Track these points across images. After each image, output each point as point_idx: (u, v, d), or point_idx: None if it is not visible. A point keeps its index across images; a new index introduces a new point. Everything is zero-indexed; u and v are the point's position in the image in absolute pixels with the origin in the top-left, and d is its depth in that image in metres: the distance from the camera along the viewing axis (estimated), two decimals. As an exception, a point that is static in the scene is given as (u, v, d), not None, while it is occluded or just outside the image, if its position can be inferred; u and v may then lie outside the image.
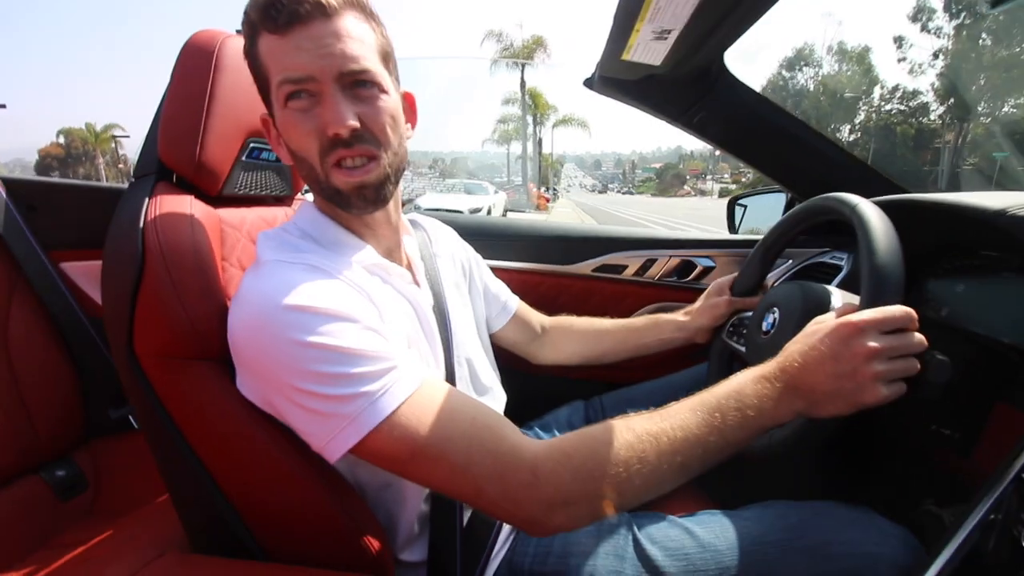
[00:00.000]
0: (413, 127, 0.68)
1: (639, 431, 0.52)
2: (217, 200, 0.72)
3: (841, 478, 0.98)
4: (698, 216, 21.15)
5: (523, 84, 34.25)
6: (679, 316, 0.96)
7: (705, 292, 0.96)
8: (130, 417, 1.10)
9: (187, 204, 0.66)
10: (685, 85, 0.95)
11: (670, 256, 1.23)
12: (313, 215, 0.66)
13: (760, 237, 0.93)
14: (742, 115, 1.00)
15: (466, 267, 0.89)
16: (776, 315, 0.77)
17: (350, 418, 0.50)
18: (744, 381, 0.56)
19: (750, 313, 0.87)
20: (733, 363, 0.92)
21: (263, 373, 0.53)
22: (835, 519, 0.63)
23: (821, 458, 0.97)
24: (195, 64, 0.68)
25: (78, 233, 1.10)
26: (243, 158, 0.75)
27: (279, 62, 0.54)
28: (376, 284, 0.62)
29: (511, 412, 0.85)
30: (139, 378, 0.60)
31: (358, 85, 0.56)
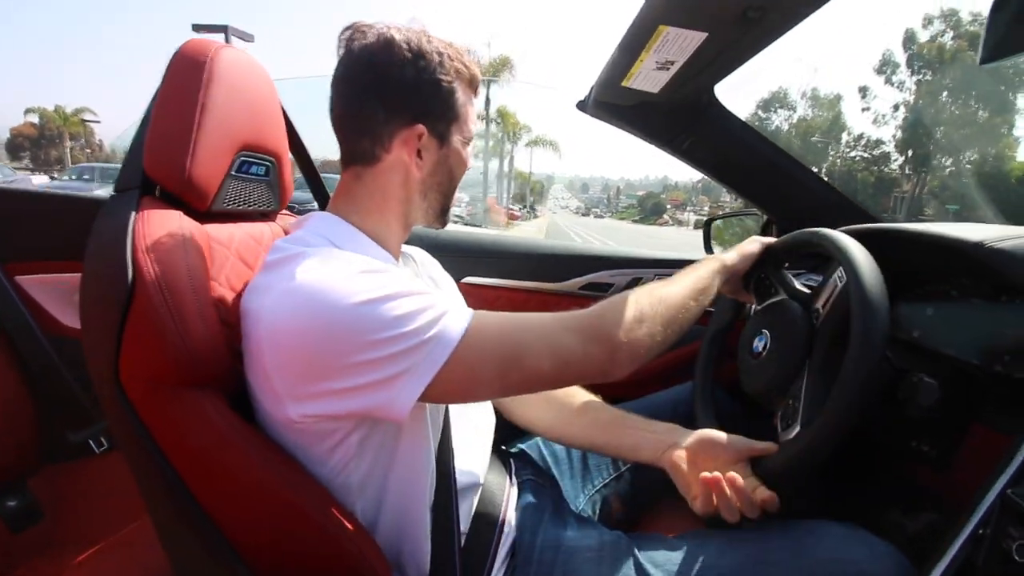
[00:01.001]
0: None
1: (644, 292, 0.67)
2: (205, 216, 0.69)
3: (818, 493, 1.02)
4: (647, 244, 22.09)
5: (488, 101, 35.07)
6: (666, 426, 0.79)
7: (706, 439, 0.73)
8: (91, 441, 1.02)
9: (177, 221, 0.63)
10: (676, 112, 0.97)
11: (655, 275, 1.26)
12: (338, 223, 0.67)
13: None
14: (728, 142, 1.04)
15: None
16: (767, 338, 0.79)
17: (433, 340, 0.54)
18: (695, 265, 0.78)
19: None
20: (716, 388, 0.94)
21: (325, 355, 0.53)
22: (831, 538, 0.64)
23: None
24: (187, 75, 0.65)
25: (35, 244, 1.02)
26: (233, 172, 0.72)
27: (472, 119, 0.72)
28: (398, 269, 0.67)
29: (498, 429, 0.84)
30: (124, 407, 0.56)
31: None
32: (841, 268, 0.69)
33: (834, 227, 0.79)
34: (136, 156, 0.65)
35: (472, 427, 0.77)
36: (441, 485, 0.67)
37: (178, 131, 0.63)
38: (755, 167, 1.07)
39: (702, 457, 0.70)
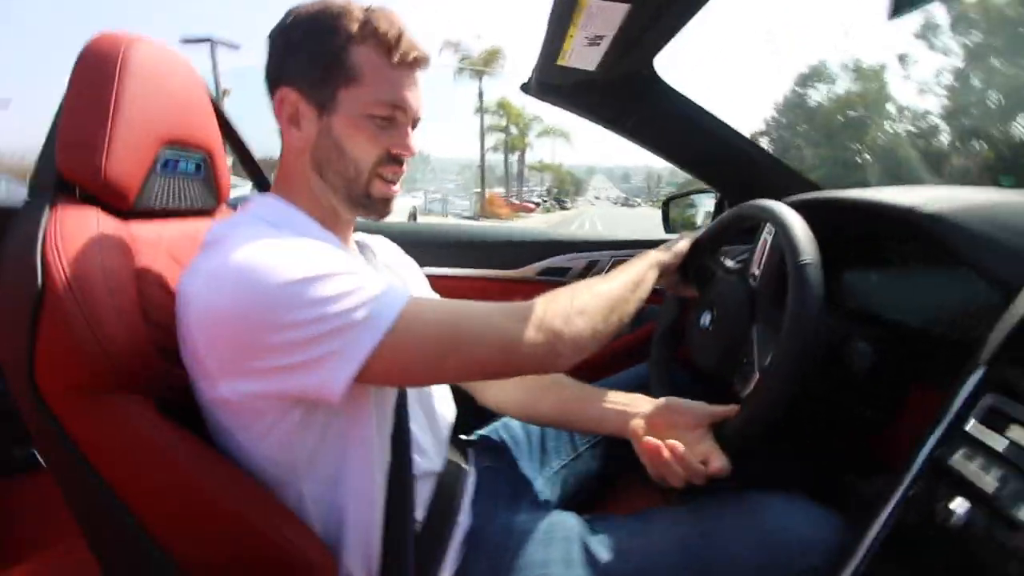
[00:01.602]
0: None
1: (583, 283, 0.69)
2: (129, 214, 0.66)
3: (767, 463, 1.03)
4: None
5: (481, 94, 34.63)
6: (631, 396, 0.81)
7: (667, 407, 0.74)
8: (36, 454, 0.99)
9: (93, 220, 0.60)
10: (618, 90, 0.97)
11: (611, 257, 1.26)
12: (280, 206, 0.66)
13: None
14: (674, 120, 1.04)
15: (408, 285, 0.87)
16: (713, 314, 0.80)
17: (364, 323, 0.53)
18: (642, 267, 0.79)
19: None
20: (672, 364, 0.95)
21: (251, 335, 0.52)
22: (771, 508, 0.66)
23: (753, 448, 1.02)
24: (97, 70, 0.62)
25: None
26: (156, 169, 0.69)
27: (389, 87, 0.63)
28: (341, 250, 0.65)
29: (459, 418, 0.84)
30: (45, 417, 0.53)
31: (413, 126, 0.68)
32: (767, 225, 0.70)
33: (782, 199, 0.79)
34: (49, 157, 0.62)
35: (431, 415, 0.76)
36: (396, 474, 0.66)
37: (91, 129, 0.61)
38: (703, 144, 1.08)
39: (663, 425, 0.70)
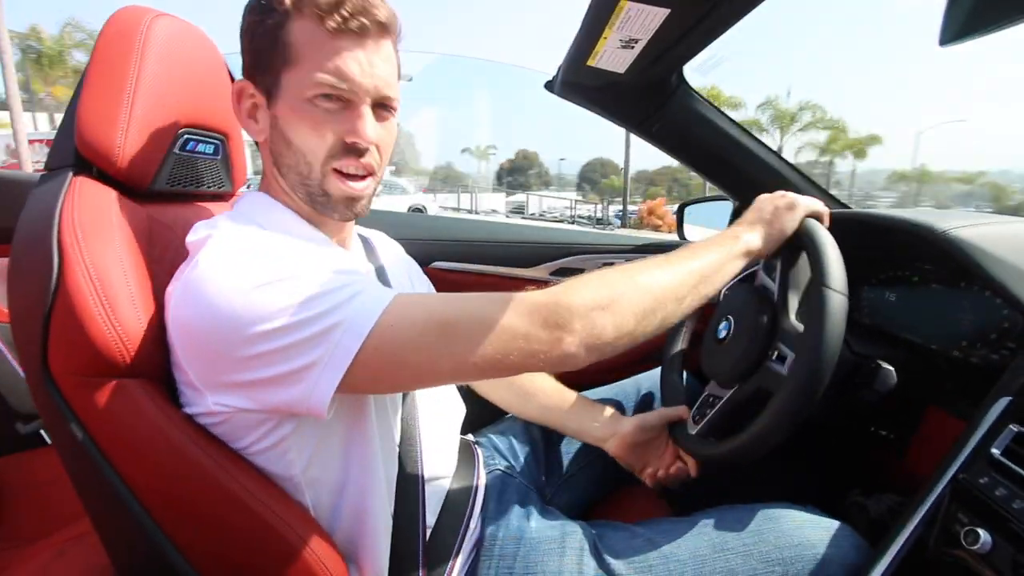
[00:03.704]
0: None
1: (634, 266, 0.59)
2: (146, 196, 0.65)
3: (780, 477, 1.03)
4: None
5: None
6: (607, 413, 0.84)
7: (636, 427, 0.80)
8: (42, 432, 0.99)
9: (111, 201, 0.59)
10: (645, 94, 0.95)
11: (626, 261, 1.25)
12: (266, 202, 0.62)
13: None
14: (698, 127, 1.02)
15: (411, 286, 0.86)
16: (730, 322, 0.79)
17: (342, 325, 0.49)
18: (709, 239, 0.66)
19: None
20: (684, 369, 0.94)
21: (227, 345, 0.49)
22: (789, 522, 0.65)
23: (765, 459, 1.01)
24: (119, 46, 0.61)
25: None
26: (175, 150, 0.68)
27: (327, 60, 0.54)
28: (328, 250, 0.62)
29: (469, 419, 0.83)
30: (55, 399, 0.53)
31: (382, 107, 0.59)
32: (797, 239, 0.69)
33: None
34: (68, 133, 0.61)
35: (440, 417, 0.75)
36: (407, 478, 0.65)
37: (110, 107, 0.60)
38: (725, 152, 1.06)
39: (637, 442, 0.80)
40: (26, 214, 0.58)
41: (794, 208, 0.69)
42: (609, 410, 0.85)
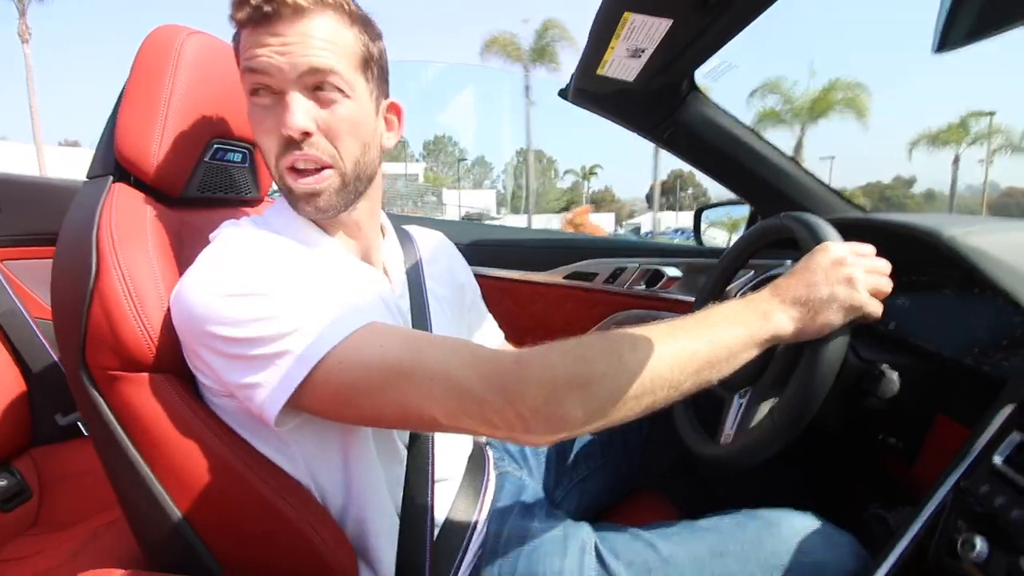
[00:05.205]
0: (399, 136, 0.68)
1: (629, 334, 0.51)
2: (179, 202, 0.70)
3: (792, 483, 1.02)
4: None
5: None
6: None
7: None
8: (79, 423, 1.05)
9: (145, 207, 0.64)
10: (657, 100, 0.96)
11: (639, 264, 1.26)
12: (284, 210, 0.65)
13: (723, 247, 0.95)
14: (710, 132, 1.03)
15: (461, 286, 0.86)
16: None
17: (293, 353, 0.49)
18: (735, 302, 0.57)
19: None
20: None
21: (198, 335, 0.52)
22: (789, 528, 0.65)
23: (772, 463, 1.01)
24: (155, 61, 0.65)
25: (21, 230, 1.04)
26: (206, 159, 0.72)
27: (244, 54, 0.55)
28: (336, 270, 0.63)
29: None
30: (92, 391, 0.57)
31: (319, 88, 0.56)
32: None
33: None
34: (108, 143, 0.66)
35: None
36: (417, 478, 0.66)
37: (147, 118, 0.64)
38: (738, 157, 1.06)
39: None
40: (69, 218, 0.62)
41: (850, 303, 0.57)
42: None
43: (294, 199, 0.60)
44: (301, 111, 0.54)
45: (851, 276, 0.57)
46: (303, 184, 0.58)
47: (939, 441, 0.76)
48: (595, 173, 49.06)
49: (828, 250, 0.59)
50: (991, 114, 27.16)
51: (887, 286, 0.59)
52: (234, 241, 0.56)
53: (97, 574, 0.59)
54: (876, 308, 0.58)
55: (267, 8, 0.52)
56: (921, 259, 0.84)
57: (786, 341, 0.57)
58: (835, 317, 0.56)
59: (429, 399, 0.48)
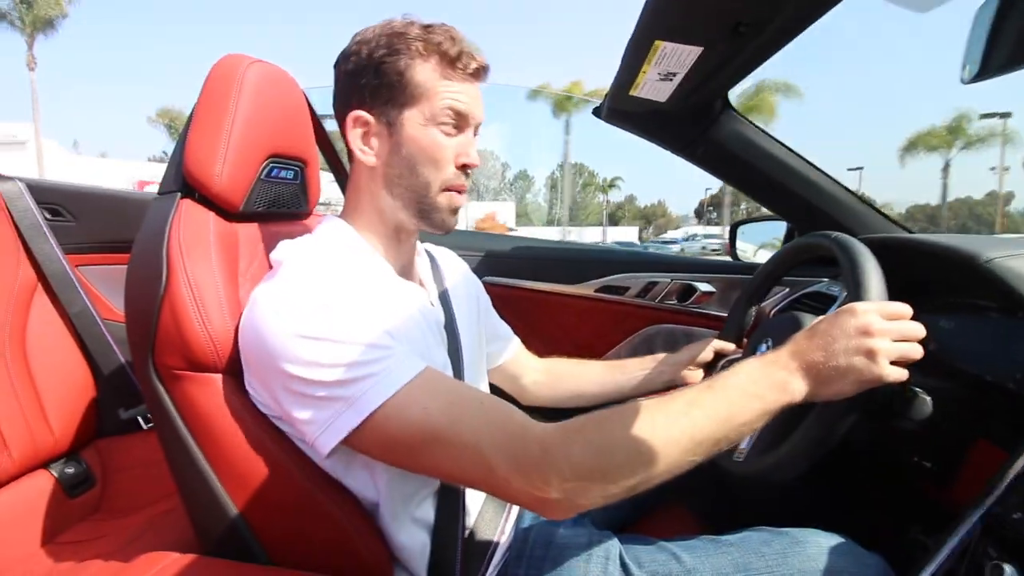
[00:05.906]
0: None
1: (649, 414, 0.53)
2: (237, 216, 0.76)
3: (823, 504, 1.00)
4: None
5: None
6: (656, 360, 0.95)
7: (689, 357, 0.92)
8: (139, 418, 1.13)
9: (208, 221, 0.69)
10: (690, 119, 0.98)
11: (671, 279, 1.26)
12: (338, 228, 0.70)
13: (759, 262, 0.95)
14: (744, 149, 1.03)
15: (476, 300, 0.91)
16: (769, 345, 0.79)
17: (349, 401, 0.54)
18: (753, 366, 0.58)
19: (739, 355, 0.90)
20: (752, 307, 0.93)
21: (266, 365, 0.57)
22: (815, 547, 0.65)
23: (804, 483, 0.99)
24: (221, 88, 0.71)
25: (93, 238, 1.13)
26: (262, 177, 0.78)
27: (450, 94, 0.65)
28: (387, 292, 0.67)
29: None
30: (159, 388, 0.63)
31: (475, 133, 0.70)
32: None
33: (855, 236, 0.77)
34: (177, 162, 0.73)
35: None
36: (450, 484, 0.68)
37: (212, 141, 0.70)
38: (773, 174, 1.06)
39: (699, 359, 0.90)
40: (143, 231, 0.69)
41: (868, 377, 0.56)
42: (649, 359, 0.95)
43: (439, 214, 0.69)
44: (475, 148, 0.69)
45: (873, 349, 0.55)
46: (457, 200, 0.70)
47: (980, 466, 0.74)
48: (615, 185, 48.41)
49: (856, 315, 0.57)
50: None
51: (916, 354, 0.57)
52: (303, 272, 0.60)
53: (154, 556, 0.65)
54: (897, 377, 0.56)
55: (479, 66, 0.67)
56: (963, 281, 0.82)
57: (797, 403, 0.57)
58: (848, 388, 0.56)
59: (458, 467, 0.55)
